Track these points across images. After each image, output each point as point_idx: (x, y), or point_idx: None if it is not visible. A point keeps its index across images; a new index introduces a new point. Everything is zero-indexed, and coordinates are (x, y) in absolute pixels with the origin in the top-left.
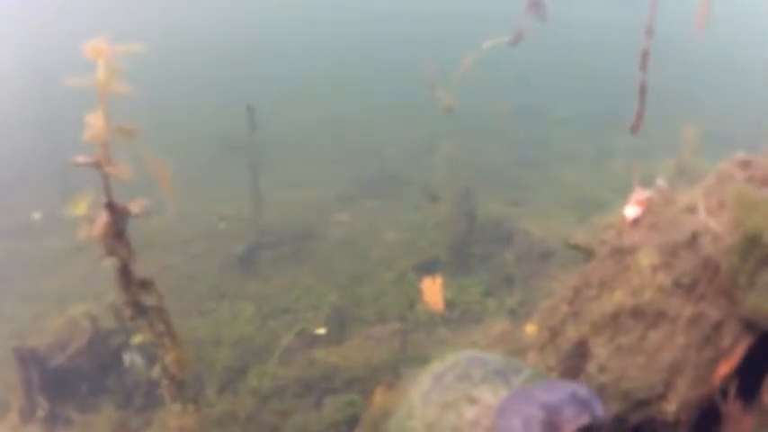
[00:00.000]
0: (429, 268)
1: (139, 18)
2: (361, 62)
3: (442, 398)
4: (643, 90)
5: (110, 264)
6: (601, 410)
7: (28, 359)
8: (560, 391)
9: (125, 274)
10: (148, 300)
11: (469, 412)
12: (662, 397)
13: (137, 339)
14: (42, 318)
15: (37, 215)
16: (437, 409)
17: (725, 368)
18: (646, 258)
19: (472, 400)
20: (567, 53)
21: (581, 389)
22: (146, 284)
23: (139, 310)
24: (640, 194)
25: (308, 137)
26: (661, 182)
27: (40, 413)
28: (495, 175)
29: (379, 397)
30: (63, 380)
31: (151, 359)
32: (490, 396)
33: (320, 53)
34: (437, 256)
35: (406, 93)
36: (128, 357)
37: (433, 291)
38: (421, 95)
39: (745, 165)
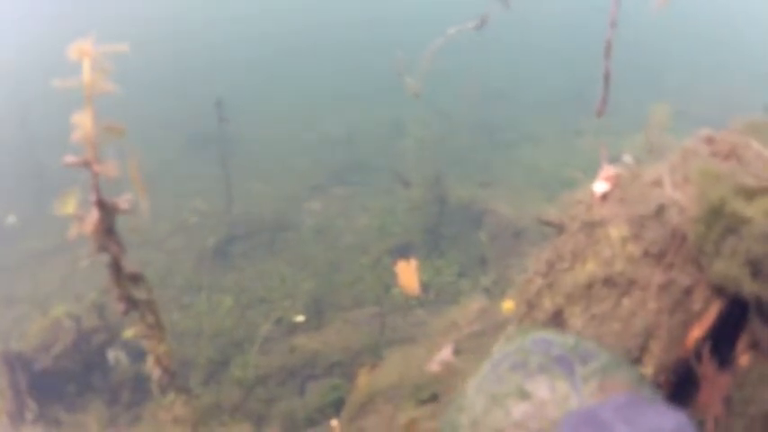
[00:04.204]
0: (403, 252)
1: (108, 11)
2: (328, 51)
3: (493, 389)
4: (607, 77)
5: (89, 263)
6: None
7: (14, 362)
8: (653, 424)
9: (116, 268)
10: (138, 293)
11: (518, 410)
12: (638, 361)
13: (128, 333)
14: (23, 320)
15: (11, 218)
16: (485, 403)
17: (697, 331)
18: (616, 230)
19: (523, 395)
20: (536, 39)
21: (683, 421)
22: (136, 278)
23: (131, 303)
24: (608, 171)
25: (277, 127)
26: (627, 158)
27: (29, 415)
28: (464, 159)
29: (362, 379)
30: (50, 381)
31: (135, 356)
32: (546, 391)
33: (287, 43)
34: (410, 240)
35: (374, 80)
36: (112, 355)
37: (407, 274)
38: (388, 82)
39: (710, 140)
